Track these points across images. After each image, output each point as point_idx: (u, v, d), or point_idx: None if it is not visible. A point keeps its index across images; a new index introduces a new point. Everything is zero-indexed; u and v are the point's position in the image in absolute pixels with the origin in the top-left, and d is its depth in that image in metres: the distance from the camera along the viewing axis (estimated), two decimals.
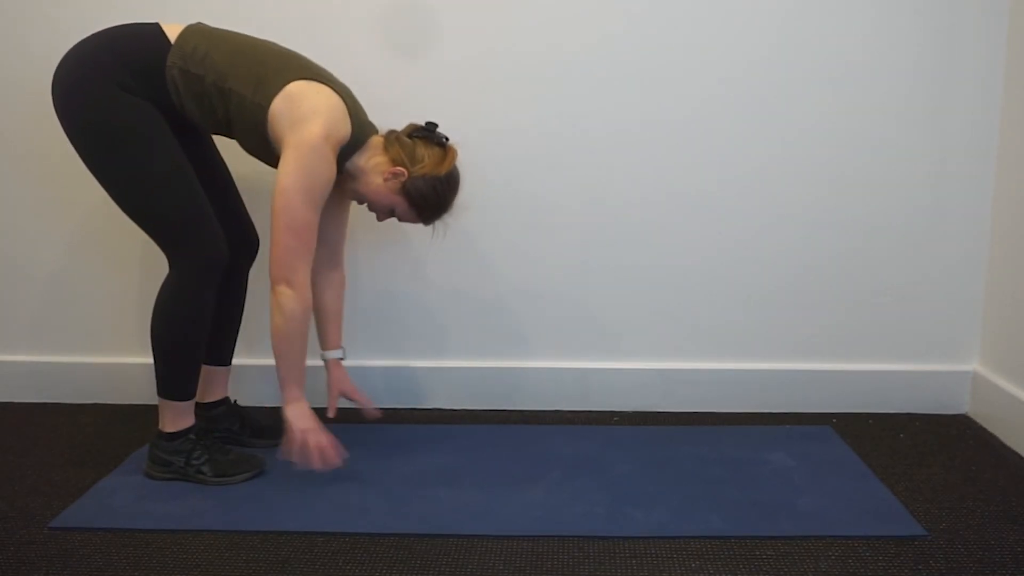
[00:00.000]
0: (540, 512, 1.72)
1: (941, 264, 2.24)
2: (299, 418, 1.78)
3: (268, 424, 2.10)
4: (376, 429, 2.16)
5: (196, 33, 1.75)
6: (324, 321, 2.01)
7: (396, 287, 2.30)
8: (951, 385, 2.28)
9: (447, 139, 1.85)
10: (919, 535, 1.63)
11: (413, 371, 2.33)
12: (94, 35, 1.76)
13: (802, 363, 2.30)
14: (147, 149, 1.71)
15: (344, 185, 1.87)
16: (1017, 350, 2.10)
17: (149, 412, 2.29)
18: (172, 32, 1.74)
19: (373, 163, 1.82)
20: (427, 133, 1.83)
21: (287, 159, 1.67)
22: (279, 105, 1.69)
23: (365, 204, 1.90)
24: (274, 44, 1.81)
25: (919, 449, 2.05)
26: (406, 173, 1.79)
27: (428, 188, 1.80)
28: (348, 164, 1.81)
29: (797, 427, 2.18)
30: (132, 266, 2.32)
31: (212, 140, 1.95)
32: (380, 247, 2.27)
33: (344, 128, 1.73)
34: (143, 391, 2.35)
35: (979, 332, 2.27)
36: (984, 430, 2.17)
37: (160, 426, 1.86)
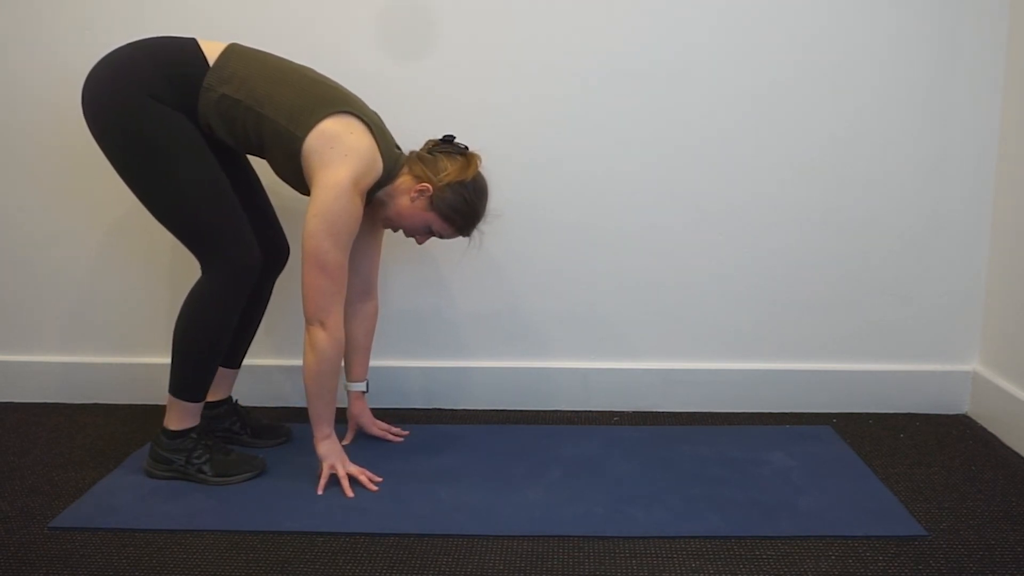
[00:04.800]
0: (540, 512, 1.72)
1: (941, 264, 2.24)
2: (330, 454, 1.82)
3: (268, 424, 2.10)
4: None
5: (235, 56, 1.75)
6: (351, 353, 2.03)
7: (394, 288, 2.30)
8: (951, 385, 2.28)
9: (466, 147, 1.85)
10: (919, 535, 1.63)
11: (413, 371, 2.33)
12: (130, 45, 1.75)
13: (802, 363, 2.30)
14: (182, 158, 1.71)
15: (376, 214, 1.89)
16: (1017, 350, 2.10)
17: (149, 412, 2.29)
18: (209, 50, 1.75)
19: (398, 184, 1.83)
20: (446, 145, 1.84)
21: (316, 201, 1.68)
22: (313, 142, 1.70)
23: (402, 231, 1.90)
24: (310, 70, 1.81)
25: (919, 449, 2.05)
26: (431, 188, 1.79)
27: (456, 197, 1.80)
28: (379, 193, 1.83)
29: (797, 427, 2.18)
30: (133, 266, 2.32)
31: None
32: (383, 247, 2.26)
33: (376, 169, 1.75)
34: (144, 391, 2.36)
35: (979, 332, 2.27)
36: (984, 430, 2.17)
37: (164, 423, 1.86)
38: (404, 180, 1.82)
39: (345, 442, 2.02)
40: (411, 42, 2.17)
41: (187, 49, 1.74)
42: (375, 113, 1.83)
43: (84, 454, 2.03)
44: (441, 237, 1.89)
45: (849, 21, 2.12)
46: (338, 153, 1.69)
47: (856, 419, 2.24)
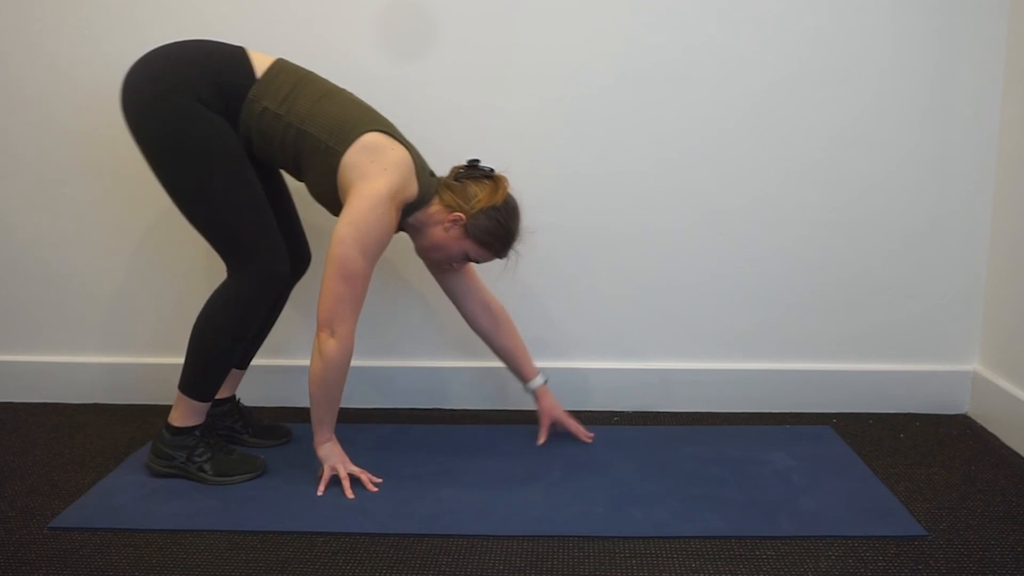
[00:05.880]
0: (540, 512, 1.72)
1: (941, 264, 2.24)
2: (331, 455, 1.82)
3: (269, 425, 2.10)
4: (376, 429, 2.16)
5: (283, 72, 1.76)
6: (511, 359, 2.04)
7: (395, 287, 2.30)
8: (951, 385, 2.28)
9: (492, 170, 1.86)
10: (919, 535, 1.63)
11: (413, 371, 2.33)
12: (176, 44, 1.75)
13: (802, 363, 2.30)
14: (222, 162, 1.71)
15: (415, 244, 1.91)
16: (1017, 350, 2.10)
17: (149, 412, 2.29)
18: (257, 61, 1.75)
19: (431, 213, 1.83)
20: (472, 170, 1.85)
21: (351, 208, 1.68)
22: (353, 155, 1.70)
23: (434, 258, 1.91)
24: (352, 94, 1.82)
25: (919, 449, 2.05)
26: (464, 216, 1.79)
27: (490, 222, 1.80)
28: (410, 219, 1.83)
29: (797, 427, 2.18)
30: (133, 267, 2.32)
31: None
32: None
33: (412, 188, 1.75)
34: (144, 391, 2.36)
35: (979, 332, 2.27)
36: (984, 430, 2.17)
37: (169, 418, 1.86)
38: (436, 210, 1.82)
39: (540, 441, 2.03)
40: (411, 43, 2.17)
41: (236, 58, 1.75)
42: (408, 140, 1.84)
43: (84, 454, 2.03)
44: (477, 262, 1.89)
45: (849, 22, 2.12)
46: (378, 166, 1.70)
47: (856, 419, 2.24)
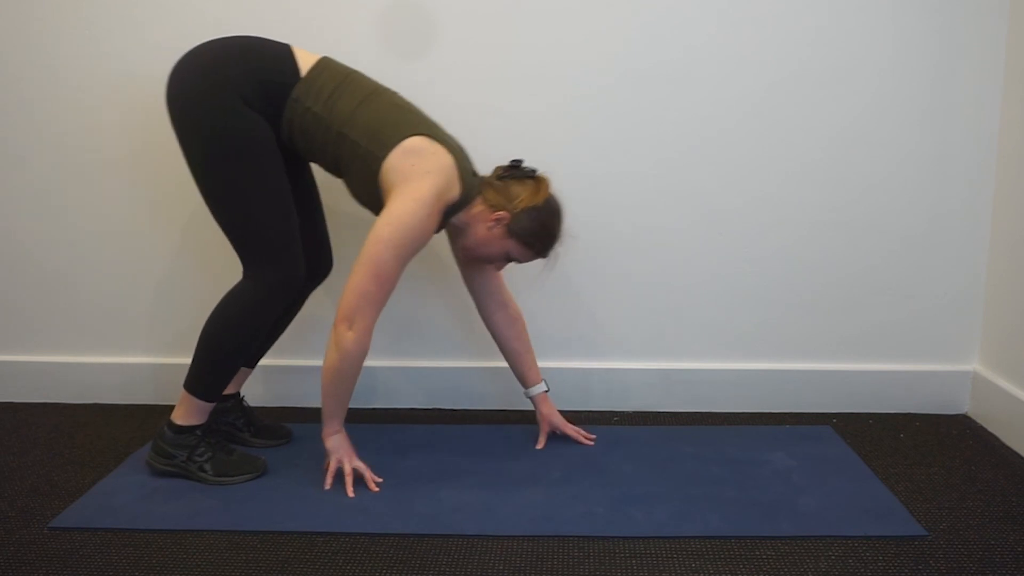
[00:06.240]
0: (540, 512, 1.72)
1: (941, 264, 2.24)
2: (338, 448, 1.82)
3: (269, 424, 2.10)
4: (376, 429, 2.16)
5: (326, 71, 1.76)
6: (517, 361, 2.04)
7: (395, 288, 2.30)
8: (951, 385, 2.28)
9: (535, 170, 1.86)
10: (919, 535, 1.63)
11: (413, 371, 2.33)
12: (223, 40, 1.75)
13: (802, 363, 2.30)
14: (257, 164, 1.72)
15: (454, 244, 1.91)
16: (1017, 350, 2.10)
17: (149, 412, 2.29)
18: (303, 60, 1.76)
19: (474, 213, 1.83)
20: (514, 170, 1.85)
21: (392, 209, 1.68)
22: (395, 159, 1.70)
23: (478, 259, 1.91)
24: (396, 95, 1.82)
25: (919, 449, 2.05)
26: (508, 215, 1.80)
27: (533, 222, 1.81)
28: (453, 219, 1.83)
29: (797, 427, 2.18)
30: (133, 267, 2.32)
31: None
32: None
33: (454, 190, 1.75)
34: (144, 391, 2.36)
35: (979, 332, 2.27)
36: (984, 430, 2.17)
37: (172, 415, 1.86)
38: (479, 210, 1.83)
39: (539, 446, 2.03)
40: (411, 42, 2.17)
41: (281, 56, 1.75)
42: (454, 139, 1.83)
43: (84, 454, 2.03)
44: (519, 262, 1.89)
45: (849, 22, 2.12)
46: (420, 170, 1.69)
47: (856, 419, 2.24)
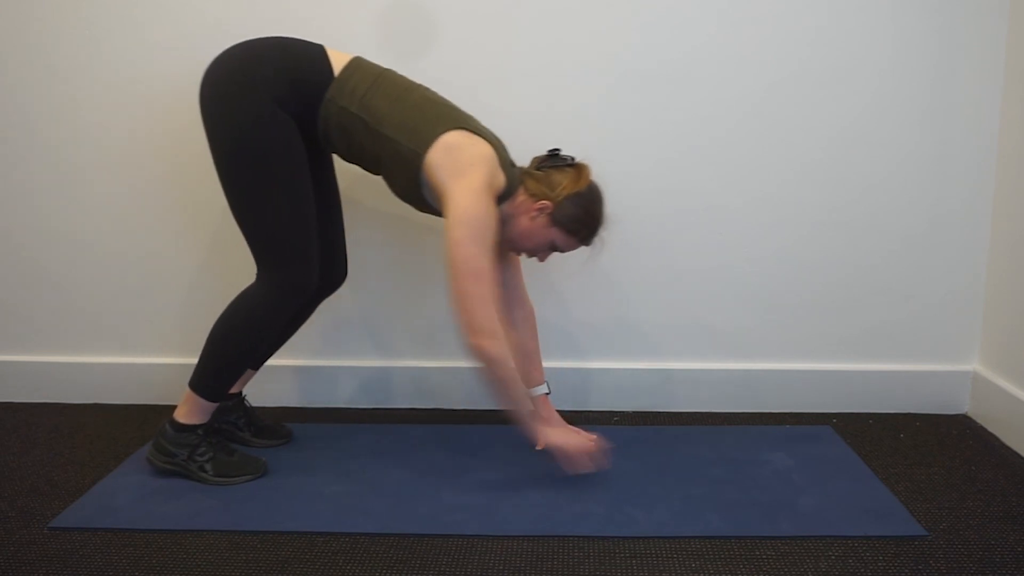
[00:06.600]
0: (540, 512, 1.72)
1: (941, 264, 2.24)
2: (560, 437, 1.82)
3: (269, 425, 2.10)
4: (376, 429, 2.16)
5: (359, 71, 1.75)
6: (525, 359, 2.03)
7: (395, 287, 2.30)
8: (951, 385, 2.28)
9: (573, 158, 1.86)
10: (919, 535, 1.63)
11: (413, 371, 2.33)
12: (259, 41, 1.75)
13: (802, 363, 2.30)
14: (284, 169, 1.72)
15: (498, 235, 1.89)
16: (1017, 350, 2.10)
17: (149, 412, 2.29)
18: (336, 60, 1.75)
19: (517, 204, 1.83)
20: (553, 159, 1.85)
21: (455, 210, 1.67)
22: (437, 155, 1.69)
23: (523, 254, 1.91)
24: (429, 90, 1.82)
25: (919, 449, 2.05)
26: (551, 204, 1.79)
27: (576, 208, 1.80)
28: (498, 209, 1.82)
29: (797, 427, 2.18)
30: (133, 267, 2.32)
31: (333, 164, 1.95)
32: (379, 246, 2.27)
33: (500, 178, 1.75)
34: (144, 391, 2.36)
35: (979, 332, 2.27)
36: (984, 430, 2.17)
37: (175, 414, 1.86)
38: (522, 200, 1.82)
39: (538, 448, 2.01)
40: (411, 42, 2.17)
41: (315, 56, 1.75)
42: (490, 131, 1.83)
43: (84, 454, 2.03)
44: (562, 251, 1.88)
45: (849, 22, 2.12)
46: (465, 163, 1.69)
47: (856, 419, 2.24)
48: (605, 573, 1.52)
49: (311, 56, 1.75)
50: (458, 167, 1.69)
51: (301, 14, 2.15)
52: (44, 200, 2.30)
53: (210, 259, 2.30)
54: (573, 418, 2.17)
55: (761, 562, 1.55)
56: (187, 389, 1.85)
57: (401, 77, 1.81)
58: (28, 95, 2.23)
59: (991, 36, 2.12)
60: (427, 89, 1.82)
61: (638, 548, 1.60)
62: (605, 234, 1.88)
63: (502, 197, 1.79)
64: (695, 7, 2.13)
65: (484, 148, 1.72)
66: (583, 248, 1.89)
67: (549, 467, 1.93)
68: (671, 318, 2.29)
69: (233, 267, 2.29)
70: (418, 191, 1.76)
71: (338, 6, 2.15)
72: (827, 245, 2.24)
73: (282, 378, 2.33)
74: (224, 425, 2.04)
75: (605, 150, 2.20)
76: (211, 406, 1.86)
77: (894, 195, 2.21)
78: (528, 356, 2.04)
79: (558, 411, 2.10)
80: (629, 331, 2.30)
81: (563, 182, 1.80)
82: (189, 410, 1.85)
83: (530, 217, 1.81)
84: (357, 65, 1.77)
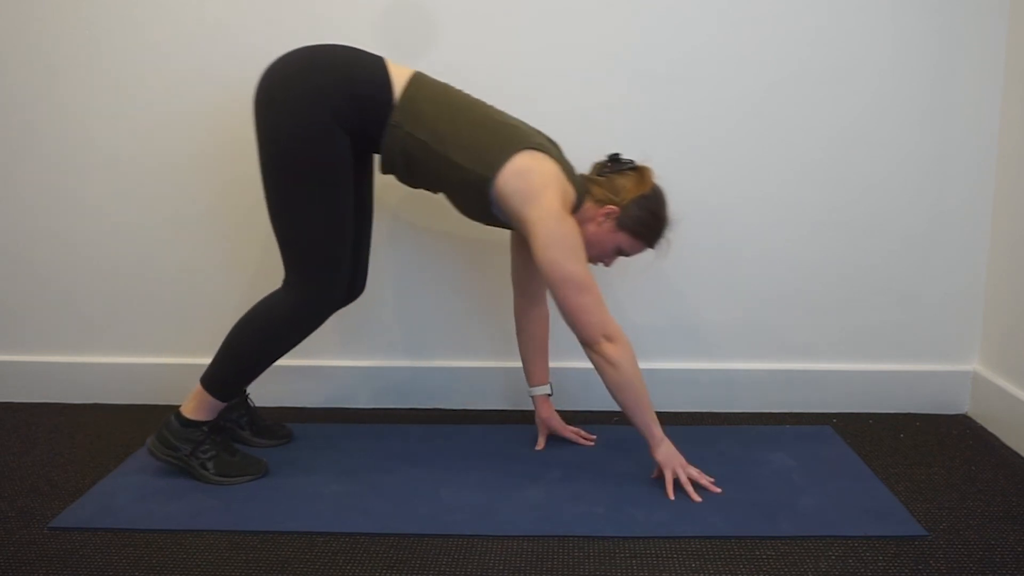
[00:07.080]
0: (540, 512, 1.72)
1: (941, 264, 2.24)
2: (671, 458, 1.81)
3: (270, 424, 2.10)
4: (376, 429, 2.16)
5: (422, 90, 1.73)
6: (532, 358, 2.05)
7: (395, 288, 2.30)
8: (951, 385, 2.28)
9: (633, 161, 1.86)
10: (919, 535, 1.63)
11: (413, 371, 2.33)
12: (319, 50, 1.72)
13: (802, 363, 2.30)
14: (330, 186, 1.71)
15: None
16: (1017, 350, 2.10)
17: (150, 412, 2.29)
18: (396, 76, 1.73)
19: (584, 211, 1.83)
20: (615, 164, 1.85)
21: (540, 235, 1.68)
22: (509, 182, 1.69)
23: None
24: (490, 107, 1.81)
25: (919, 449, 2.05)
26: (617, 208, 1.80)
27: (642, 211, 1.81)
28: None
29: (797, 427, 2.18)
30: (133, 267, 2.32)
31: (372, 178, 1.94)
32: (379, 246, 2.27)
33: (570, 191, 1.75)
34: (144, 391, 2.36)
35: (979, 332, 2.27)
36: (984, 430, 2.17)
37: (182, 408, 1.86)
38: (588, 207, 1.83)
39: (539, 447, 2.04)
40: (411, 42, 2.17)
41: (376, 71, 1.72)
42: (553, 143, 1.84)
43: (84, 454, 2.03)
44: (628, 255, 1.89)
45: (849, 22, 2.12)
46: (537, 186, 1.69)
47: (856, 419, 2.24)
48: (605, 573, 1.52)
49: (372, 70, 1.72)
50: (532, 192, 1.69)
51: (301, 14, 2.15)
52: (44, 200, 2.30)
53: (212, 259, 2.30)
54: (573, 418, 2.17)
55: (761, 562, 1.55)
56: (197, 385, 1.84)
57: (462, 95, 1.80)
58: (28, 95, 2.23)
59: (991, 36, 2.12)
60: (489, 106, 1.81)
61: (638, 548, 1.60)
62: (670, 236, 1.89)
63: (576, 207, 1.79)
64: (695, 7, 2.13)
65: (551, 167, 1.72)
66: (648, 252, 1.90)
67: (549, 467, 1.93)
68: (670, 318, 2.29)
69: (236, 267, 2.29)
70: (488, 210, 1.77)
71: (338, 6, 2.15)
72: (827, 245, 2.24)
73: (282, 378, 2.33)
74: (226, 423, 2.04)
75: (605, 150, 2.19)
76: (220, 405, 1.86)
77: (894, 195, 2.21)
78: (537, 352, 2.04)
79: (559, 411, 2.10)
80: (628, 331, 2.29)
81: (627, 186, 1.81)
82: (197, 406, 1.85)
83: (597, 223, 1.82)
84: (420, 84, 1.74)
